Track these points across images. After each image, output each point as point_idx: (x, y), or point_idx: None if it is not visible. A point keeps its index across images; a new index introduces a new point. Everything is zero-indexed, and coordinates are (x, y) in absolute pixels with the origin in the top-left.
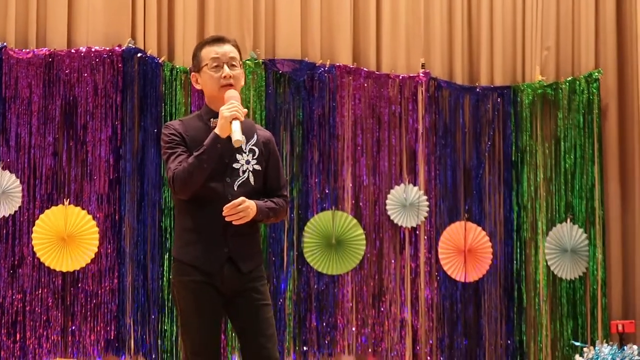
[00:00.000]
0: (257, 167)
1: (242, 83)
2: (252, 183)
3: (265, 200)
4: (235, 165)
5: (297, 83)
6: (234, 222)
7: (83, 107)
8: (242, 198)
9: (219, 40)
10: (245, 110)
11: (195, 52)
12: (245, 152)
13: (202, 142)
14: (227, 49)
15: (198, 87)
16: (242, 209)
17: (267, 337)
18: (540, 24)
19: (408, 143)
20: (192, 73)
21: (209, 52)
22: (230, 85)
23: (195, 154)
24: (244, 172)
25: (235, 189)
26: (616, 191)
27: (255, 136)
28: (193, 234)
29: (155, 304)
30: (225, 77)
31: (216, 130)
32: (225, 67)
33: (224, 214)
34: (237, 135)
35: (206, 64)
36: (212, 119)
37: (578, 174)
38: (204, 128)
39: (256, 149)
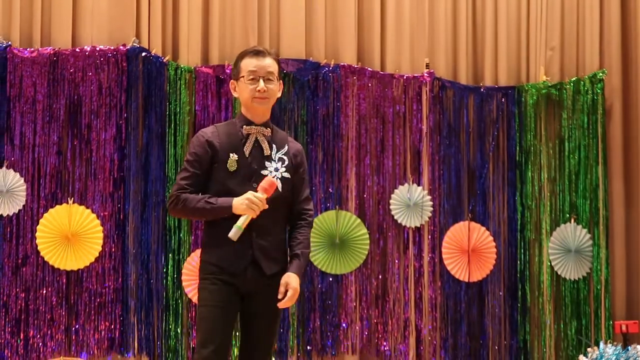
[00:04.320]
0: (287, 174)
1: (278, 95)
2: (280, 190)
3: (297, 252)
4: (263, 172)
5: (302, 82)
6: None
7: (87, 106)
8: (285, 285)
9: (259, 53)
10: (265, 206)
11: (236, 61)
12: (274, 160)
13: (233, 147)
14: (266, 63)
15: (235, 94)
16: (293, 294)
17: (266, 343)
18: (544, 24)
19: (412, 143)
20: (231, 81)
21: (248, 64)
22: (264, 99)
23: (206, 201)
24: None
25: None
26: (620, 192)
27: (287, 147)
28: (220, 236)
29: (159, 303)
30: (259, 90)
31: (233, 205)
32: (261, 81)
33: (281, 305)
34: (235, 230)
35: (244, 75)
36: (244, 126)
37: (582, 174)
38: (236, 133)
39: (285, 158)
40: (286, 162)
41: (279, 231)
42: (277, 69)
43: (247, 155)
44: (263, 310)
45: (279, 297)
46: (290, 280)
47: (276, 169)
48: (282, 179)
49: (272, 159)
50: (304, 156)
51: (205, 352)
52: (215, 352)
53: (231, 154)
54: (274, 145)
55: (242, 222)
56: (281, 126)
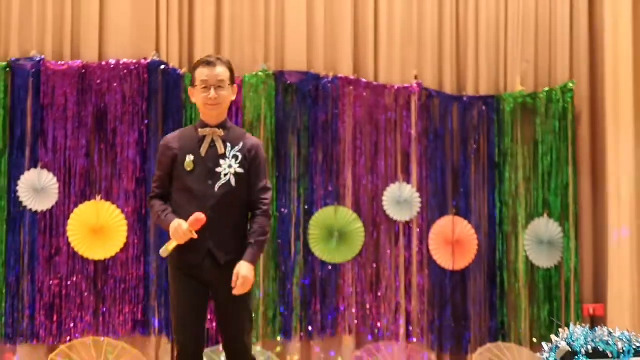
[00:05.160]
0: (240, 170)
1: (232, 98)
2: (233, 184)
3: (250, 241)
4: (217, 170)
5: (304, 92)
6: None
7: (112, 113)
8: (236, 274)
9: (209, 63)
10: (194, 236)
11: (191, 70)
12: (228, 158)
13: (189, 149)
14: (217, 72)
15: (193, 100)
16: (243, 282)
17: (238, 325)
18: (520, 40)
19: (402, 146)
20: (189, 88)
21: (200, 73)
22: (215, 105)
23: (159, 215)
24: (225, 175)
25: (216, 190)
26: (588, 189)
27: (242, 143)
28: None
29: None
30: (210, 98)
31: (170, 226)
32: (212, 89)
33: (234, 293)
34: (164, 249)
35: (197, 84)
36: (200, 129)
37: (554, 174)
38: (194, 136)
39: (240, 155)
40: (240, 158)
41: (233, 223)
42: (229, 76)
43: (203, 155)
44: (225, 296)
45: (232, 285)
46: (240, 269)
47: (230, 166)
48: (235, 174)
49: (227, 157)
50: (260, 150)
51: (181, 338)
52: (186, 337)
53: (188, 156)
54: (228, 144)
55: (170, 244)
56: (285, 131)
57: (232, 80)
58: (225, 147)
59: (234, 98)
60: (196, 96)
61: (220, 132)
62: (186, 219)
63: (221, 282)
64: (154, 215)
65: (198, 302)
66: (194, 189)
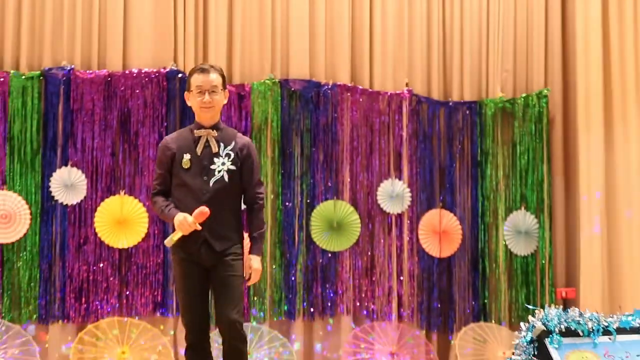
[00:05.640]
0: (232, 167)
1: (224, 102)
2: (227, 180)
3: (254, 235)
4: (212, 167)
5: (306, 98)
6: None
7: (135, 117)
8: (249, 267)
9: (204, 70)
10: (198, 228)
11: (188, 76)
12: (222, 156)
13: (186, 149)
14: (211, 78)
15: (189, 104)
16: (256, 273)
17: (229, 303)
18: (500, 51)
19: (394, 146)
20: (185, 92)
21: (195, 79)
22: (209, 108)
23: (162, 209)
24: (219, 172)
25: (211, 185)
26: (561, 185)
27: (234, 143)
28: None
29: None
30: (205, 102)
31: (174, 219)
32: (207, 94)
33: (248, 284)
34: (169, 240)
35: (192, 89)
36: (196, 130)
37: (530, 171)
38: (190, 137)
39: (232, 153)
40: (232, 156)
41: (227, 214)
42: (222, 81)
43: (199, 154)
44: (221, 278)
45: (245, 277)
46: (253, 263)
47: (223, 163)
48: (228, 170)
49: (220, 155)
50: (252, 148)
51: (187, 318)
52: (192, 316)
53: (185, 155)
54: (221, 144)
55: (175, 235)
56: (289, 133)
57: (224, 85)
58: (219, 146)
59: (225, 102)
60: (192, 100)
61: (214, 132)
62: (184, 212)
63: (217, 267)
64: (158, 210)
65: (199, 285)
66: (190, 184)
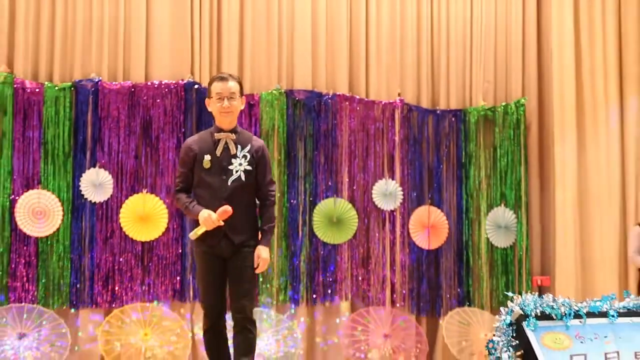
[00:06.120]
0: (248, 167)
1: (241, 107)
2: (243, 179)
3: (264, 228)
4: (230, 167)
5: (309, 107)
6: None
7: (156, 123)
8: (257, 256)
9: (223, 78)
10: (221, 223)
11: (208, 84)
12: (239, 157)
13: (207, 150)
14: (229, 86)
15: (210, 109)
16: (264, 262)
17: (242, 290)
18: (482, 64)
19: (388, 150)
20: (206, 99)
21: (215, 87)
22: (228, 113)
23: (187, 206)
24: (236, 171)
25: (229, 184)
26: (536, 185)
27: (250, 145)
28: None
29: None
30: (224, 107)
31: (199, 215)
32: (225, 100)
33: (257, 271)
34: (193, 233)
35: (213, 96)
36: (216, 134)
37: (509, 172)
38: (210, 139)
39: (248, 155)
40: (249, 158)
41: (245, 210)
42: (239, 89)
43: (218, 155)
44: (236, 268)
45: (254, 266)
46: (261, 253)
47: (240, 164)
48: (245, 170)
49: (237, 157)
50: (265, 150)
51: (207, 302)
52: (211, 301)
53: (205, 156)
54: (239, 146)
55: (199, 229)
56: (294, 138)
57: (241, 92)
58: (237, 148)
59: (242, 107)
60: (212, 106)
61: (233, 136)
62: (205, 208)
63: (233, 257)
64: (182, 205)
65: (218, 275)
66: (210, 182)
